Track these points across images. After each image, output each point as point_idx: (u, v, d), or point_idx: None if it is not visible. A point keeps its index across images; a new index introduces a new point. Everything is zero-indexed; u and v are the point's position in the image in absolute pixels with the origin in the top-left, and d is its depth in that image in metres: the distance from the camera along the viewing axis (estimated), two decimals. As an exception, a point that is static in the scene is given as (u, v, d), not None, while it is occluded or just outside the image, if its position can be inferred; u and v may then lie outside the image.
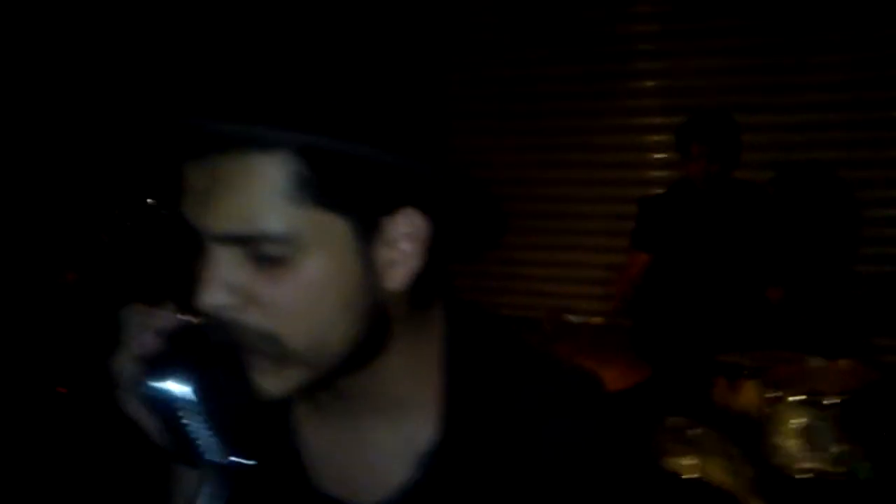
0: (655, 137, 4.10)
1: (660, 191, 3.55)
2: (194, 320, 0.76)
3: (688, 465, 2.16)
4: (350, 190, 0.73)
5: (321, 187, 0.71)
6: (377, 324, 0.79)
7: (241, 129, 0.69)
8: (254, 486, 0.84)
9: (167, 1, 4.07)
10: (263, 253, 0.72)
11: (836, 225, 3.78)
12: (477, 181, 0.78)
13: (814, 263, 3.49)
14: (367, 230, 0.75)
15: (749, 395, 2.46)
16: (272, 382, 0.77)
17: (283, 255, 0.72)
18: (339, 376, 0.80)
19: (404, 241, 0.77)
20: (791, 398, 2.28)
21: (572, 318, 2.95)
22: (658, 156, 4.12)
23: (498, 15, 4.36)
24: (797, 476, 2.21)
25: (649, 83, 4.16)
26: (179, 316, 0.78)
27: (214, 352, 0.75)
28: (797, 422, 2.25)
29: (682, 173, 3.30)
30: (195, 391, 0.74)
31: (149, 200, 3.47)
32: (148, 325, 0.77)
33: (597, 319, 3.13)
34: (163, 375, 0.74)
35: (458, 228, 0.82)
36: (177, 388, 0.74)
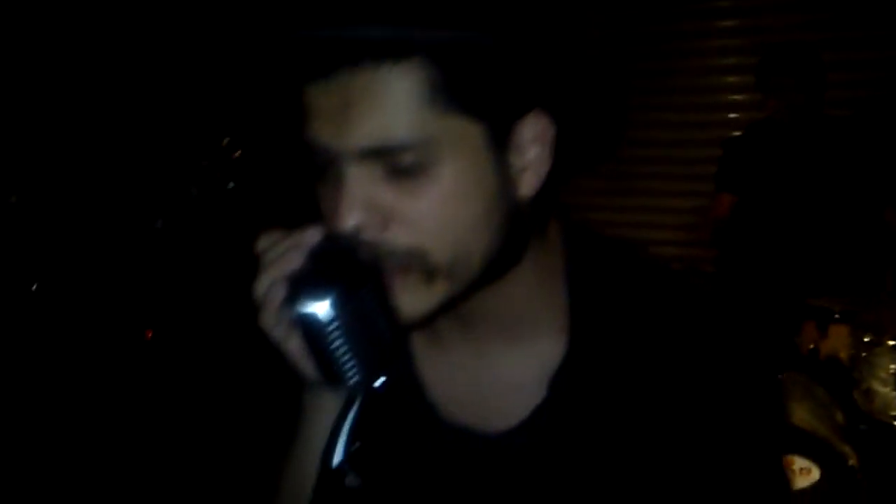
0: (735, 78, 3.97)
1: (739, 132, 3.44)
2: (339, 240, 0.75)
3: (776, 409, 2.12)
4: (482, 93, 0.72)
5: (455, 92, 0.71)
6: (515, 232, 0.78)
7: (381, 34, 0.69)
8: (383, 413, 0.84)
9: None
10: (400, 165, 0.72)
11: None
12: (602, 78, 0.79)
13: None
14: (500, 135, 0.75)
15: (839, 341, 2.39)
16: (419, 301, 0.77)
17: (420, 164, 0.72)
18: (476, 291, 0.79)
19: (533, 146, 0.77)
20: (887, 342, 2.21)
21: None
22: (737, 97, 3.99)
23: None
24: (892, 422, 2.14)
25: (729, 22, 4.02)
26: (323, 236, 0.76)
27: (358, 273, 0.74)
28: (893, 367, 2.17)
29: (764, 114, 3.17)
30: (341, 312, 0.72)
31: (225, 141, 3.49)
32: (294, 244, 0.76)
33: (677, 266, 3.06)
34: (309, 296, 0.72)
35: (581, 131, 0.82)
36: (324, 309, 0.72)
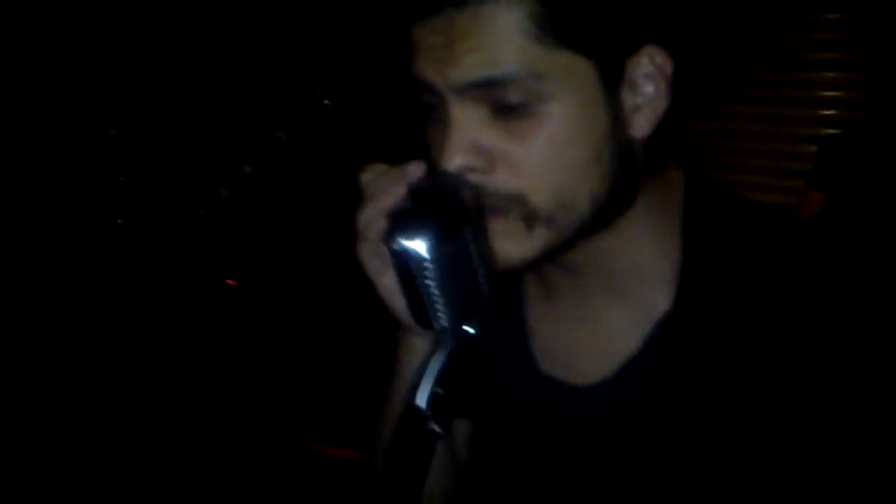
0: (830, 74, 3.86)
1: (831, 130, 3.36)
2: (442, 180, 0.73)
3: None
4: (592, 27, 0.69)
5: (563, 26, 0.68)
6: (625, 176, 0.75)
7: None
8: (480, 361, 0.82)
9: None
10: (507, 101, 0.70)
11: None
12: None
13: None
14: (613, 71, 0.72)
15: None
16: (517, 247, 0.74)
17: (526, 102, 0.69)
18: (583, 239, 0.76)
19: (648, 82, 0.73)
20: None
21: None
22: (833, 93, 3.88)
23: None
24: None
25: (830, 15, 3.88)
26: (427, 173, 0.74)
27: (460, 214, 0.71)
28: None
29: (865, 114, 3.09)
30: (438, 252, 0.69)
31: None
32: (399, 178, 0.75)
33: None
34: (408, 232, 0.70)
35: (701, 67, 0.78)
36: (422, 247, 0.69)
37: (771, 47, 3.97)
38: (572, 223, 0.74)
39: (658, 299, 0.80)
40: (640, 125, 0.74)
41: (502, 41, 0.68)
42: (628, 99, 0.73)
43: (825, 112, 3.90)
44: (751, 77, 3.97)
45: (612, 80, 0.72)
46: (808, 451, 0.73)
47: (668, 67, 0.73)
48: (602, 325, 0.83)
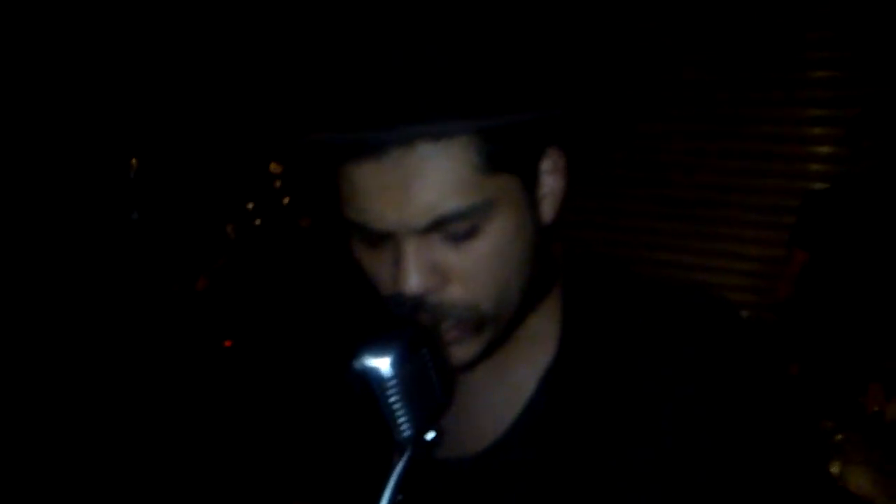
0: (821, 130, 3.92)
1: (822, 185, 3.40)
2: (400, 301, 0.79)
3: (830, 472, 2.11)
4: (519, 150, 0.77)
5: (498, 155, 0.75)
6: (543, 261, 0.84)
7: (430, 129, 0.72)
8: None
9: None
10: (458, 230, 0.76)
11: None
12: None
13: None
14: (532, 179, 0.80)
15: (905, 405, 2.36)
16: (468, 350, 0.81)
17: (475, 225, 0.76)
18: (513, 329, 0.84)
19: (551, 175, 0.83)
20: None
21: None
22: (823, 149, 3.94)
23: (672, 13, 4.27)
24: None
25: (819, 73, 3.96)
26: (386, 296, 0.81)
27: (419, 333, 0.77)
28: (955, 437, 2.14)
29: (852, 168, 3.13)
30: (400, 370, 0.75)
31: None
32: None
33: (744, 313, 3.05)
34: (371, 352, 0.75)
35: (585, 155, 0.88)
36: (384, 365, 0.75)
37: (759, 103, 4.05)
38: (509, 317, 0.82)
39: (545, 357, 0.87)
40: (547, 213, 0.84)
41: (452, 180, 0.74)
42: (539, 194, 0.82)
43: (812, 167, 3.95)
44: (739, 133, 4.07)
45: (532, 185, 0.81)
46: (691, 485, 0.79)
47: (563, 161, 0.84)
48: (502, 388, 0.88)
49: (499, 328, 0.81)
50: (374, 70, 0.73)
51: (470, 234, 0.76)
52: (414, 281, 0.76)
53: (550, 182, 0.83)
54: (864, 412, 2.47)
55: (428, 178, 0.73)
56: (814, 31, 3.94)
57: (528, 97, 0.77)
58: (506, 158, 0.76)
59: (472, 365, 0.82)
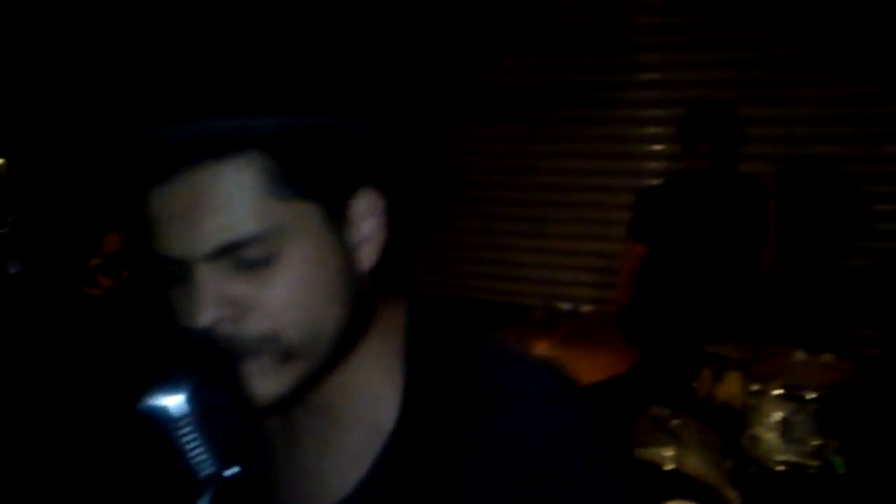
0: (652, 129, 4.11)
1: (655, 182, 3.55)
2: (194, 336, 0.76)
3: (667, 456, 2.19)
4: (317, 176, 0.76)
5: (292, 178, 0.74)
6: (360, 306, 0.82)
7: (212, 130, 0.71)
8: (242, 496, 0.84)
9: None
10: (249, 258, 0.74)
11: (834, 219, 3.80)
12: (426, 144, 0.82)
13: (807, 257, 3.50)
14: (336, 213, 0.78)
15: (732, 387, 2.48)
16: (273, 383, 0.78)
17: (267, 254, 0.74)
18: (329, 371, 0.82)
19: (367, 219, 0.81)
20: (772, 392, 2.31)
21: (563, 305, 2.97)
22: (654, 147, 4.13)
23: (498, 13, 4.35)
24: (775, 468, 2.24)
25: (648, 75, 4.15)
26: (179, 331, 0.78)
27: (212, 368, 0.76)
28: (777, 415, 2.28)
29: (684, 165, 3.28)
30: (190, 405, 0.74)
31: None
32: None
33: (588, 307, 3.15)
34: (162, 391, 0.74)
35: (412, 201, 0.86)
36: (172, 401, 0.74)
37: (592, 104, 4.20)
38: (321, 353, 0.79)
39: (387, 421, 0.84)
40: (366, 258, 0.82)
41: (239, 204, 0.73)
42: (353, 236, 0.80)
43: (645, 164, 4.13)
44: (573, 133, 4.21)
45: (337, 219, 0.79)
46: None
47: (381, 205, 0.82)
48: (338, 453, 0.87)
49: (311, 364, 0.79)
50: (152, 73, 0.71)
51: (265, 262, 0.74)
52: (206, 313, 0.74)
53: (368, 226, 0.81)
54: (696, 397, 2.59)
55: (213, 202, 0.72)
56: (644, 34, 4.13)
57: (306, 106, 0.75)
58: (301, 182, 0.75)
59: (278, 402, 0.80)
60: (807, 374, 2.41)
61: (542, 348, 2.41)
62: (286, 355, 0.77)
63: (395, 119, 0.80)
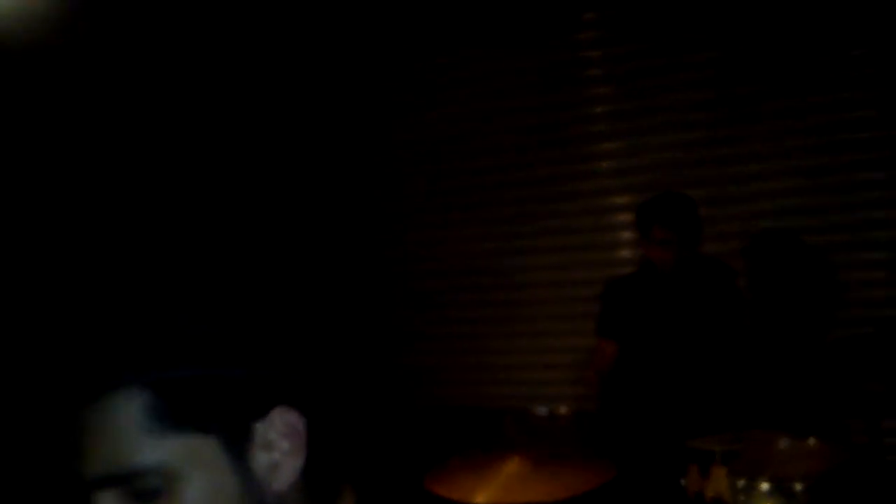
0: (618, 217, 4.10)
1: (627, 270, 3.51)
2: None
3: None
4: (208, 410, 0.74)
5: (176, 414, 0.73)
6: None
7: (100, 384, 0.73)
8: None
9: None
10: (140, 489, 0.73)
11: (808, 293, 3.75)
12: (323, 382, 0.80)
13: (782, 331, 3.44)
14: (238, 441, 0.76)
15: (721, 482, 2.39)
16: None
17: (158, 488, 0.73)
18: None
19: (281, 440, 0.78)
20: (760, 486, 2.22)
21: (538, 409, 2.89)
22: (623, 235, 4.10)
23: (455, 105, 4.40)
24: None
25: (607, 163, 4.17)
26: None
27: None
28: (768, 510, 2.18)
29: (642, 252, 3.25)
30: None
31: None
32: None
33: (564, 409, 3.07)
34: None
35: (333, 418, 0.83)
36: None
37: (556, 198, 4.21)
38: None
39: None
40: (280, 478, 0.78)
41: (122, 437, 0.73)
42: (263, 458, 0.77)
43: (616, 253, 4.10)
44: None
45: (239, 447, 0.76)
46: None
47: (300, 423, 0.78)
48: None
49: None
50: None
51: (154, 496, 0.73)
52: None
53: (286, 446, 0.78)
54: (687, 495, 2.49)
55: (99, 434, 0.73)
56: (599, 123, 4.15)
57: (190, 358, 0.74)
58: (187, 418, 0.74)
59: None
60: (793, 463, 2.32)
61: (515, 464, 2.33)
62: None
63: (277, 362, 0.79)
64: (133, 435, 0.72)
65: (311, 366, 0.80)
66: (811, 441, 2.42)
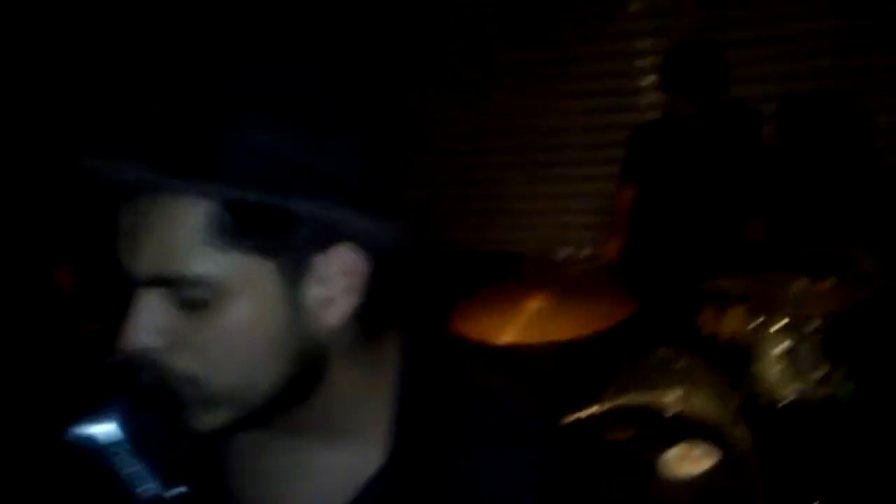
0: (641, 62, 4.00)
1: (649, 116, 3.47)
2: (125, 360, 0.75)
3: (672, 399, 2.16)
4: (273, 234, 0.72)
5: (242, 232, 0.71)
6: (311, 362, 0.77)
7: (151, 180, 0.70)
8: None
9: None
10: (186, 297, 0.72)
11: (839, 152, 3.69)
12: (407, 223, 0.78)
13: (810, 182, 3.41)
14: (296, 271, 0.74)
15: (736, 322, 2.44)
16: (201, 419, 0.77)
17: (205, 298, 0.72)
18: (275, 412, 0.79)
19: (339, 277, 0.75)
20: (775, 324, 2.27)
21: (560, 252, 2.93)
22: (645, 82, 4.01)
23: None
24: (780, 402, 2.21)
25: (634, 6, 4.03)
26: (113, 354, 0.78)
27: (144, 389, 0.75)
28: (780, 347, 2.24)
29: (664, 103, 3.20)
30: (122, 429, 0.74)
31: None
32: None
33: (586, 251, 3.11)
34: (90, 417, 0.74)
35: (397, 263, 0.80)
36: (102, 429, 0.74)
37: (579, 41, 4.09)
38: (255, 401, 0.76)
39: (371, 454, 0.83)
40: (331, 316, 0.76)
41: (179, 241, 0.70)
42: (317, 292, 0.75)
43: (641, 100, 4.03)
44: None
45: (296, 277, 0.74)
46: None
47: (361, 265, 0.76)
48: (315, 477, 0.85)
49: (241, 410, 0.77)
50: (127, 109, 0.71)
51: (204, 305, 0.72)
52: (136, 337, 0.73)
53: (342, 285, 0.76)
54: (701, 334, 2.55)
55: (156, 233, 0.71)
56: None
57: (274, 183, 0.70)
58: (250, 237, 0.71)
59: (229, 431, 0.79)
60: (810, 302, 2.36)
61: (537, 302, 2.38)
62: (208, 400, 0.75)
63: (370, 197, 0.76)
64: (191, 242, 0.70)
65: (383, 209, 0.76)
66: (828, 281, 2.44)
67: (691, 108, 3.06)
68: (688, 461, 2.02)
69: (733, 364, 2.33)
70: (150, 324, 0.73)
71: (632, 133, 3.34)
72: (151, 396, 0.75)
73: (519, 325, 2.32)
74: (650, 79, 3.97)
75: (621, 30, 4.08)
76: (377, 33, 4.11)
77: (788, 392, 2.21)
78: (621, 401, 2.17)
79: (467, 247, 4.11)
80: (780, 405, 2.19)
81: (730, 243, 3.08)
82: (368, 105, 0.78)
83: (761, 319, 2.31)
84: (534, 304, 2.38)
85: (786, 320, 2.26)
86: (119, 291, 0.77)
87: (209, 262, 0.70)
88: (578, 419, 2.11)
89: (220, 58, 0.75)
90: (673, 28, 3.75)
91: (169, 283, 0.71)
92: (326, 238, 0.74)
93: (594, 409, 2.14)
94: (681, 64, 3.05)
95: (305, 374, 0.77)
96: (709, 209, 3.12)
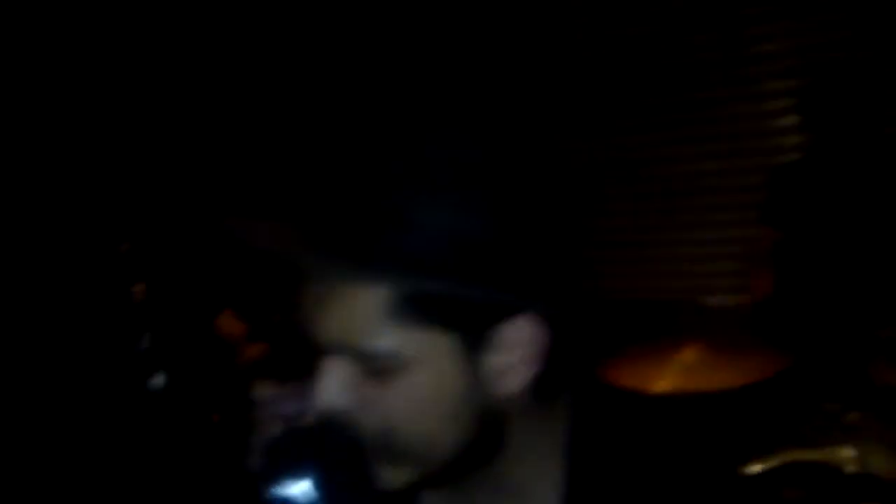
0: (779, 103, 3.86)
1: (790, 157, 3.34)
2: (319, 419, 0.80)
3: (846, 457, 2.01)
4: (450, 310, 0.74)
5: (421, 308, 0.73)
6: (490, 426, 0.80)
7: (346, 272, 0.73)
8: None
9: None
10: (369, 366, 0.75)
11: None
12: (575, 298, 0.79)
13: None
14: (474, 342, 0.76)
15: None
16: (391, 476, 0.80)
17: (385, 368, 0.75)
18: (458, 472, 0.82)
19: (519, 346, 0.77)
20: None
21: (710, 300, 2.81)
22: (783, 122, 3.87)
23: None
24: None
25: (769, 46, 3.92)
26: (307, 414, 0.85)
27: (335, 447, 0.80)
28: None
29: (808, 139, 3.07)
30: (318, 489, 0.79)
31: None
32: (276, 415, 0.86)
33: (736, 298, 2.98)
34: (286, 474, 0.79)
35: (573, 328, 0.82)
36: (299, 488, 0.78)
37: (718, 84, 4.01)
38: (439, 461, 0.80)
39: None
40: (509, 384, 0.78)
41: (361, 317, 0.73)
42: (495, 361, 0.77)
43: (779, 140, 3.90)
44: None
45: (474, 348, 0.76)
46: None
47: (540, 336, 0.77)
48: None
49: (425, 468, 0.80)
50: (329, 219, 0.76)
51: (381, 373, 0.75)
52: (326, 398, 0.77)
53: (519, 354, 0.78)
54: (872, 388, 2.38)
55: (339, 309, 0.74)
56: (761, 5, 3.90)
57: (451, 272, 0.72)
58: (429, 313, 0.74)
59: (406, 488, 0.82)
60: None
61: (690, 355, 2.30)
62: (394, 459, 0.79)
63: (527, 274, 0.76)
64: (373, 319, 0.73)
65: (561, 277, 0.78)
66: None
67: (829, 136, 2.91)
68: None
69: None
70: (338, 387, 0.77)
71: (771, 174, 3.21)
72: (343, 456, 0.79)
73: (672, 374, 2.28)
74: (788, 120, 3.83)
75: (757, 72, 3.98)
76: (522, 92, 4.17)
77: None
78: (792, 457, 2.04)
79: (614, 296, 4.04)
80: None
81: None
82: (536, 173, 0.78)
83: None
84: (687, 355, 2.34)
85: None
86: (304, 355, 0.80)
87: (391, 337, 0.74)
88: (749, 475, 1.98)
89: (389, 148, 0.77)
90: (809, 67, 3.61)
91: (351, 356, 0.76)
92: (507, 310, 0.76)
93: (764, 464, 2.01)
94: (817, 89, 2.92)
95: (485, 436, 0.80)
96: (873, 251, 2.93)
